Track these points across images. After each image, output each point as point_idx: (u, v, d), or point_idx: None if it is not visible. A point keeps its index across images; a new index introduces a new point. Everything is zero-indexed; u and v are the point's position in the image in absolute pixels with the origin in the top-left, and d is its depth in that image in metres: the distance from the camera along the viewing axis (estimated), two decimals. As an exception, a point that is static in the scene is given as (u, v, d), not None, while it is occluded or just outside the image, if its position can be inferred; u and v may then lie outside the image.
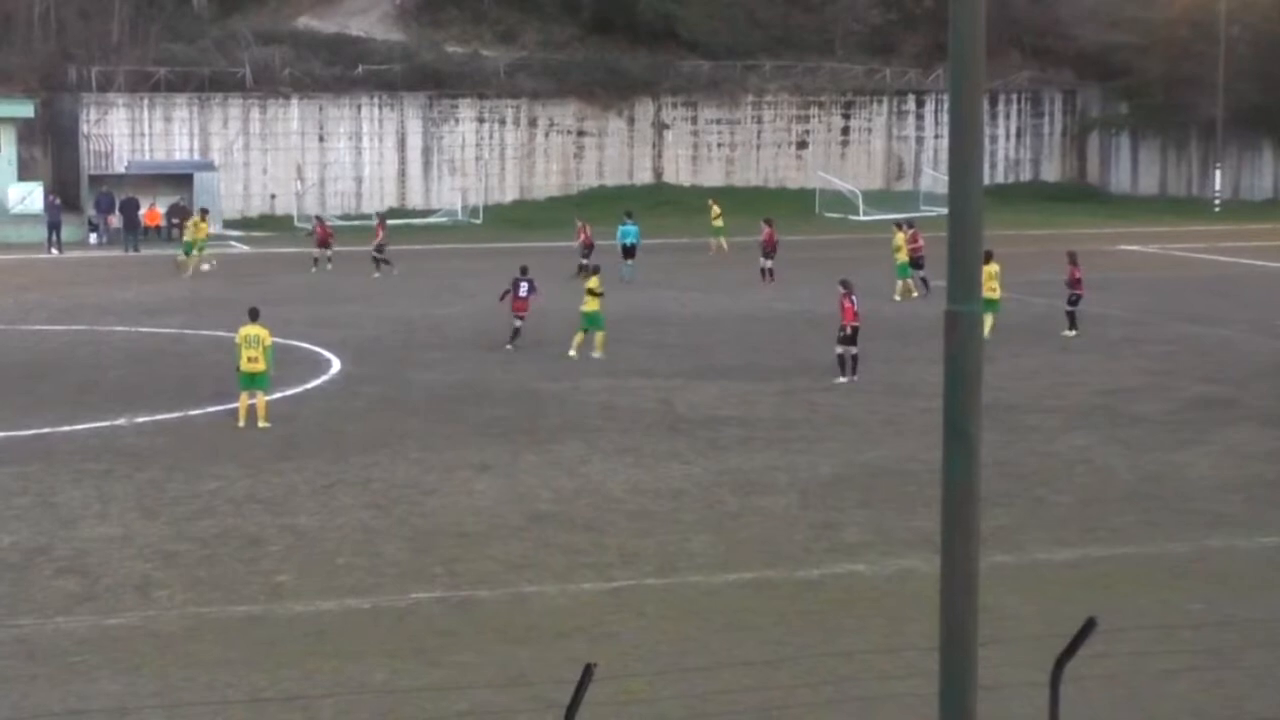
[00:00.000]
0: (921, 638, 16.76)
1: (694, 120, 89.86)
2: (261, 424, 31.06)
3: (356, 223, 78.86)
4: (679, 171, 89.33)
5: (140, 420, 31.92)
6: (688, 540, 23.06)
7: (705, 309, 48.44)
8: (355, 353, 40.13)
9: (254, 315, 31.81)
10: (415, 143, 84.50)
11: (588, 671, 10.95)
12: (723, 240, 65.72)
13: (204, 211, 64.20)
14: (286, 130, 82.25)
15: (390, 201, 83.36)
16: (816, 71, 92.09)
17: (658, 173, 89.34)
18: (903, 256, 51.13)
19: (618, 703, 15.97)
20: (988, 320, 40.46)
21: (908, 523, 23.77)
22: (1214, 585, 20.84)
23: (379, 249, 58.51)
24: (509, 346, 40.68)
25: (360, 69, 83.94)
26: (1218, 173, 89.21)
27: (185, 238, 60.51)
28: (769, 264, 55.92)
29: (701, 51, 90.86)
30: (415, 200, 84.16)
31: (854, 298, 36.32)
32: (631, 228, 58.51)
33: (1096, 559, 22.11)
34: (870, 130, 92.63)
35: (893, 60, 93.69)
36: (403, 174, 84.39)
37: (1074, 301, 42.66)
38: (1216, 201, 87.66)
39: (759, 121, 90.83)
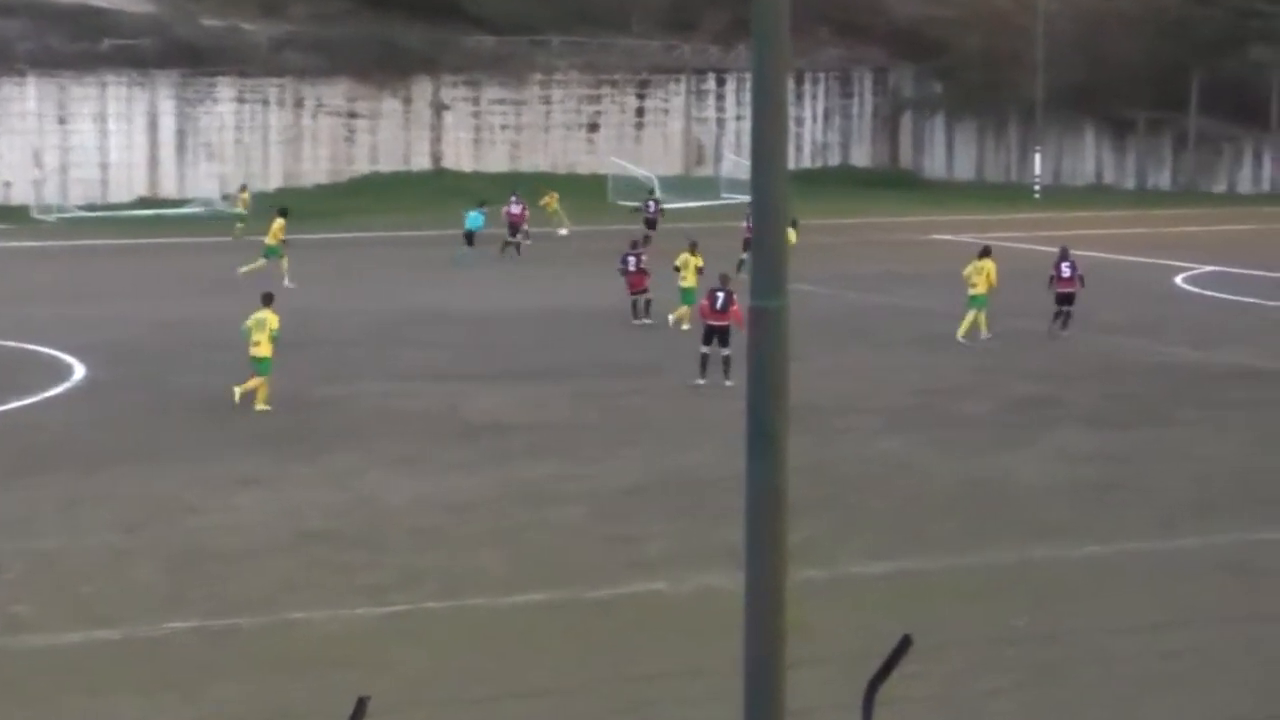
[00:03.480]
0: (726, 659, 16.78)
1: (476, 101, 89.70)
2: (260, 407, 32.82)
3: (102, 213, 77.61)
4: (460, 157, 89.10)
5: None
6: (474, 558, 22.95)
7: (500, 305, 48.32)
8: (107, 356, 39.40)
9: (266, 300, 34.29)
10: (168, 125, 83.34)
11: (361, 704, 10.80)
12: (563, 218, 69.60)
13: (283, 211, 56.82)
14: (23, 111, 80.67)
15: (140, 190, 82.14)
16: (610, 48, 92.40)
17: (437, 158, 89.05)
18: (689, 281, 48.46)
19: (397, 738, 15.80)
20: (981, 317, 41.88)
21: (711, 535, 23.84)
22: (1040, 597, 21.14)
23: None
24: (639, 320, 44.38)
25: (106, 44, 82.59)
26: (1037, 157, 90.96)
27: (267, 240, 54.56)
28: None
29: (485, 26, 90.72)
30: (168, 189, 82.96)
31: (720, 295, 35.97)
32: (480, 215, 60.83)
33: (915, 571, 22.33)
34: (667, 111, 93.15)
35: (692, 37, 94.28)
36: (154, 160, 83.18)
37: None
38: (1036, 187, 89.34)
39: (547, 102, 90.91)
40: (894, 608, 20.33)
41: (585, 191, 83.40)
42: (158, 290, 52.31)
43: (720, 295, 35.91)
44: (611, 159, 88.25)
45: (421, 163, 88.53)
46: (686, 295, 42.84)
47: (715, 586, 21.35)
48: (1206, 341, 42.35)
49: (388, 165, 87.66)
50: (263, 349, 33.46)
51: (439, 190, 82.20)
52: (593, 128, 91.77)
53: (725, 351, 35.67)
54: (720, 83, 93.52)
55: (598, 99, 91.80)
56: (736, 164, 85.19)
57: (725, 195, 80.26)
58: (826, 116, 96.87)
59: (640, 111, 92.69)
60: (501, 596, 21.25)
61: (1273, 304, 49.79)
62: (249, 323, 33.89)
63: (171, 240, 67.39)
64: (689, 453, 29.47)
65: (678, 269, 43.43)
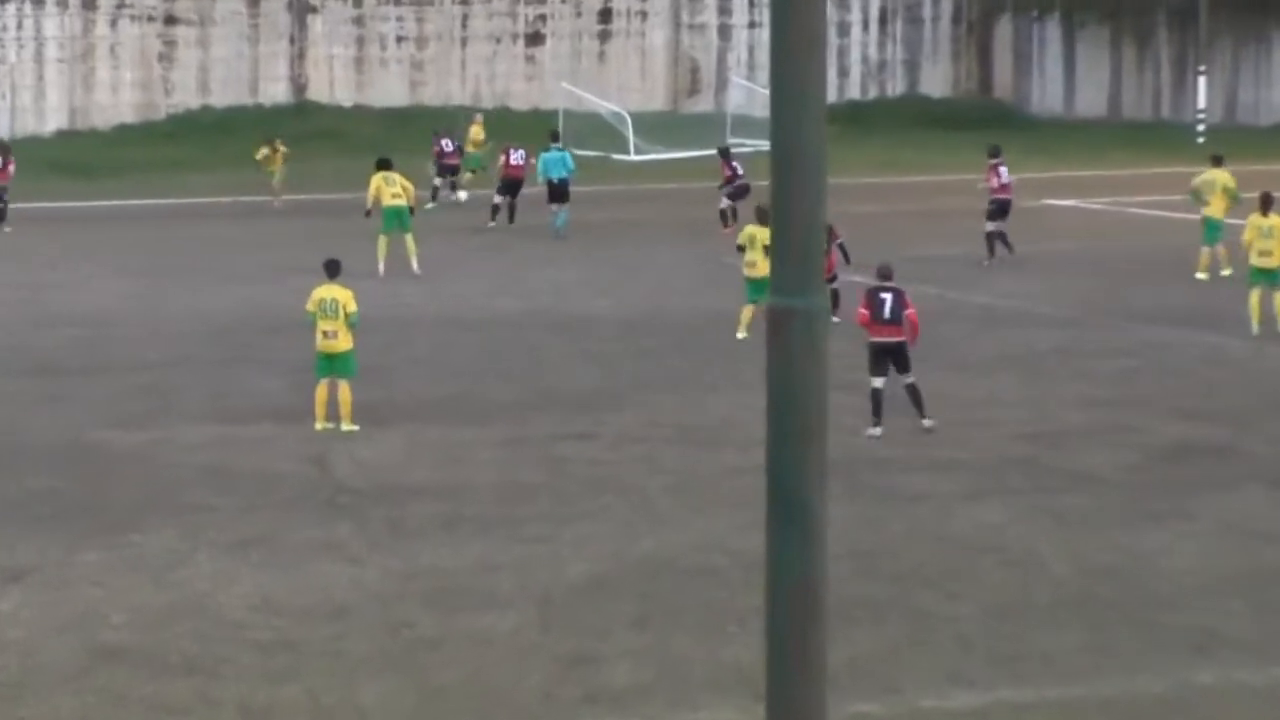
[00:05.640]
0: (737, 838, 16.89)
1: (358, 1, 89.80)
2: (346, 427, 34.68)
3: None
4: (334, 84, 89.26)
5: None
6: (355, 687, 22.99)
7: (381, 307, 48.30)
8: None
9: (333, 270, 35.50)
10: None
11: None
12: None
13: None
14: None
15: None
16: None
17: (299, 85, 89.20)
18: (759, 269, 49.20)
19: None
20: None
21: (712, 651, 23.91)
22: (1204, 744, 21.24)
23: None
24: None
25: None
26: (1201, 82, 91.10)
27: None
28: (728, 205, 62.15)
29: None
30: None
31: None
32: (559, 155, 63.17)
33: (1016, 705, 22.41)
34: (645, 15, 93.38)
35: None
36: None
37: None
38: (1201, 128, 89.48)
39: (464, 2, 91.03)
40: (986, 760, 20.44)
41: (525, 133, 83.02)
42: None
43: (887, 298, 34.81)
44: (564, 86, 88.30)
45: (276, 93, 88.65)
46: (755, 289, 42.55)
47: (719, 729, 21.44)
48: None
49: (225, 97, 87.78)
50: (341, 340, 35.04)
51: (302, 134, 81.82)
52: (534, 40, 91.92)
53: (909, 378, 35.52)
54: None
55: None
56: (750, 94, 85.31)
57: (733, 140, 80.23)
58: (884, 22, 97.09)
59: (605, 15, 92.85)
60: (398, 745, 21.32)
61: None
62: (310, 305, 35.35)
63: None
64: (675, 528, 29.46)
65: (741, 248, 44.14)
